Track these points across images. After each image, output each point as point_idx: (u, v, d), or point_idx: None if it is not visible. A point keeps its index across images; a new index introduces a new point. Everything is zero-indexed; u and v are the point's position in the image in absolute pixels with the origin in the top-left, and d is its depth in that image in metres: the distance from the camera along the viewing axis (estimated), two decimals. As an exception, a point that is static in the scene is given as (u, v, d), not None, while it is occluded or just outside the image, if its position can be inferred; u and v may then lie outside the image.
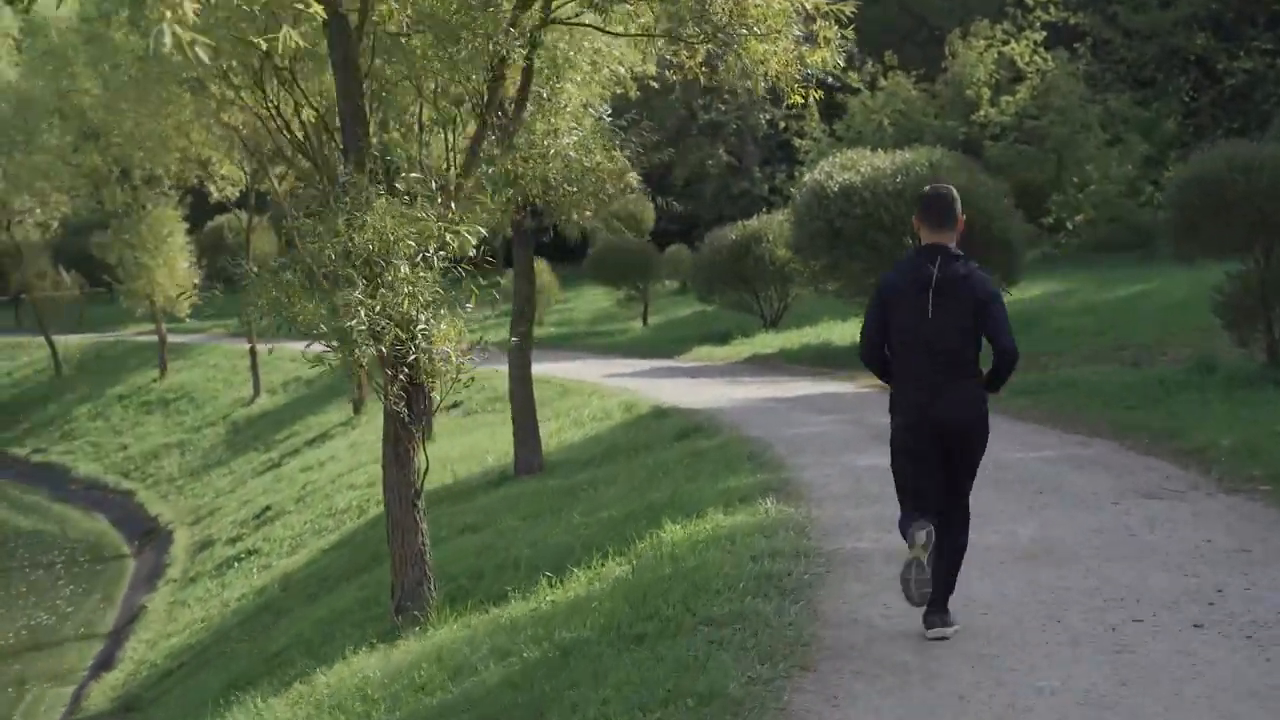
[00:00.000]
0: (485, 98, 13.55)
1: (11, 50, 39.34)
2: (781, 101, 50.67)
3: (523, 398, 18.05)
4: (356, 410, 30.05)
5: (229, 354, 41.97)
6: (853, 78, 47.26)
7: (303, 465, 27.20)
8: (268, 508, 23.93)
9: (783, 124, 51.13)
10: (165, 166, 34.53)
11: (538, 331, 40.33)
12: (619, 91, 20.86)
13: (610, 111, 20.75)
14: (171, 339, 43.50)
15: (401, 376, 11.51)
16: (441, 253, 11.40)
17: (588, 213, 17.66)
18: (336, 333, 10.89)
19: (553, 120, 16.54)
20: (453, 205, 12.06)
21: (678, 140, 56.45)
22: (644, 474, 15.04)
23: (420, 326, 11.20)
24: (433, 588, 11.98)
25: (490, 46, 12.74)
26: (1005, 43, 41.01)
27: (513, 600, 10.70)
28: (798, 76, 14.00)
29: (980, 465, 8.11)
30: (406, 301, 10.94)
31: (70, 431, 41.12)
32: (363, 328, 10.75)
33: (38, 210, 43.43)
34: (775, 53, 13.37)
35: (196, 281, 39.97)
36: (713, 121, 54.70)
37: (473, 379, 11.78)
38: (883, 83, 44.02)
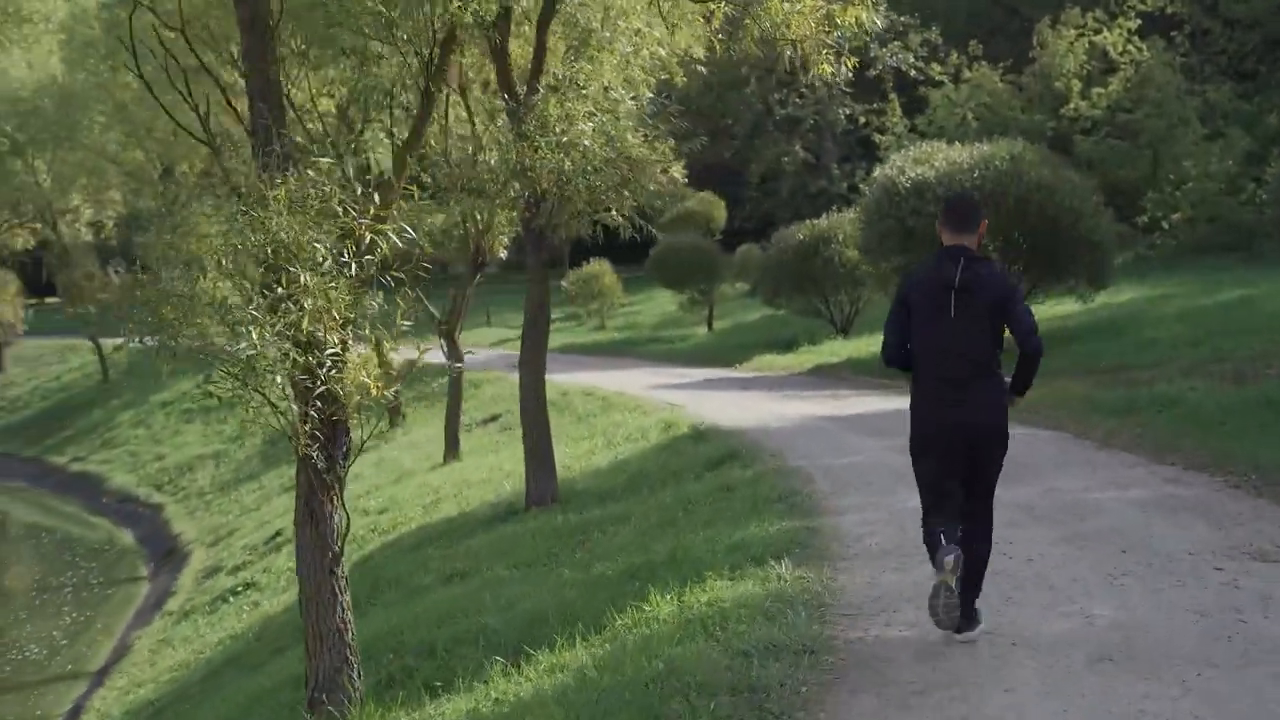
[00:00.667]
0: (429, 65, 11.46)
1: (59, 42, 37.70)
2: (862, 95, 48.77)
3: (535, 419, 15.96)
4: (392, 423, 28.18)
5: None
6: (935, 69, 45.28)
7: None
8: (278, 532, 22.06)
9: (862, 119, 48.92)
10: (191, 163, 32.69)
11: (598, 337, 38.57)
12: (664, 77, 18.80)
13: (657, 99, 18.55)
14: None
15: (314, 413, 9.33)
16: (369, 258, 9.15)
17: (613, 210, 15.45)
18: (237, 362, 8.73)
19: (571, 104, 14.49)
20: (381, 200, 9.76)
21: (753, 136, 54.37)
22: (661, 514, 13.00)
23: (330, 351, 9.02)
24: (356, 674, 9.63)
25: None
26: (1097, 32, 38.62)
27: (455, 692, 8.63)
28: (827, 42, 11.76)
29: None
30: (309, 319, 8.75)
31: (111, 439, 39.61)
32: (266, 353, 8.61)
33: (87, 210, 41.91)
34: (798, 12, 11.08)
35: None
36: (789, 116, 52.44)
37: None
38: (967, 74, 41.68)
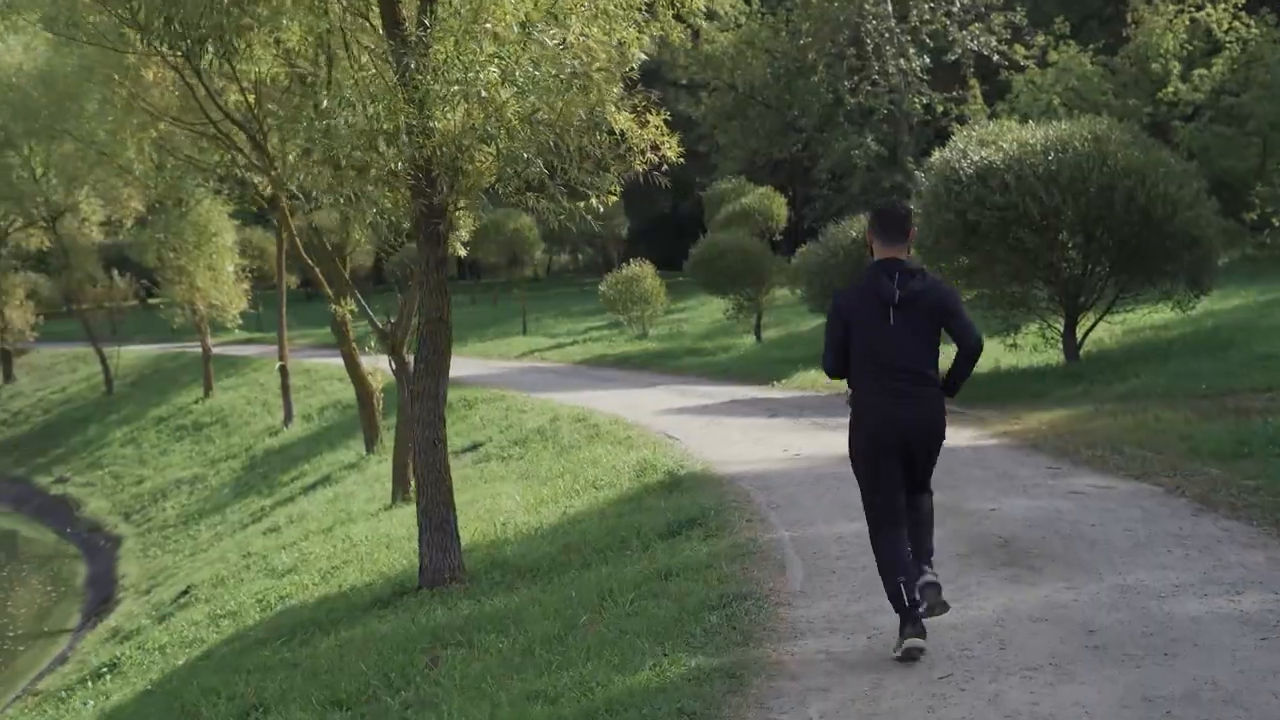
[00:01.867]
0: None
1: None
2: (940, 82, 44.76)
3: (431, 473, 12.06)
4: (369, 448, 24.51)
5: (321, 370, 36.68)
6: (1020, 52, 41.32)
7: (271, 525, 21.80)
8: (187, 590, 18.57)
9: (940, 108, 44.89)
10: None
11: (635, 347, 34.76)
12: (660, 35, 15.24)
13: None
14: (236, 351, 38.68)
15: None
16: None
17: (543, 192, 11.77)
18: None
19: (470, 43, 10.77)
20: None
21: (822, 128, 50.28)
22: (569, 612, 9.26)
23: None
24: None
25: None
26: (1199, 7, 34.32)
27: None
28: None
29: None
30: None
31: (99, 459, 36.40)
32: None
33: (96, 208, 38.70)
34: None
35: (247, 286, 35.13)
36: (861, 106, 48.28)
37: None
38: (1054, 56, 37.71)
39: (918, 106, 47.14)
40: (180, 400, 38.00)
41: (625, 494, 14.10)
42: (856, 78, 48.14)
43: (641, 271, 36.48)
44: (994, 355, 22.66)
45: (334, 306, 22.84)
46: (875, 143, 47.95)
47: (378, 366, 23.45)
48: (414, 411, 12.13)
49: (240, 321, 35.97)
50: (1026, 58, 40.86)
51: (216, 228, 34.30)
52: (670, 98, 59.24)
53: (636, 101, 15.97)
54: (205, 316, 35.16)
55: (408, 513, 16.95)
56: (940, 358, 8.10)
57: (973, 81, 44.70)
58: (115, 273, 45.40)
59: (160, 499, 30.36)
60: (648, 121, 15.07)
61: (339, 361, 36.79)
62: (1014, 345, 21.53)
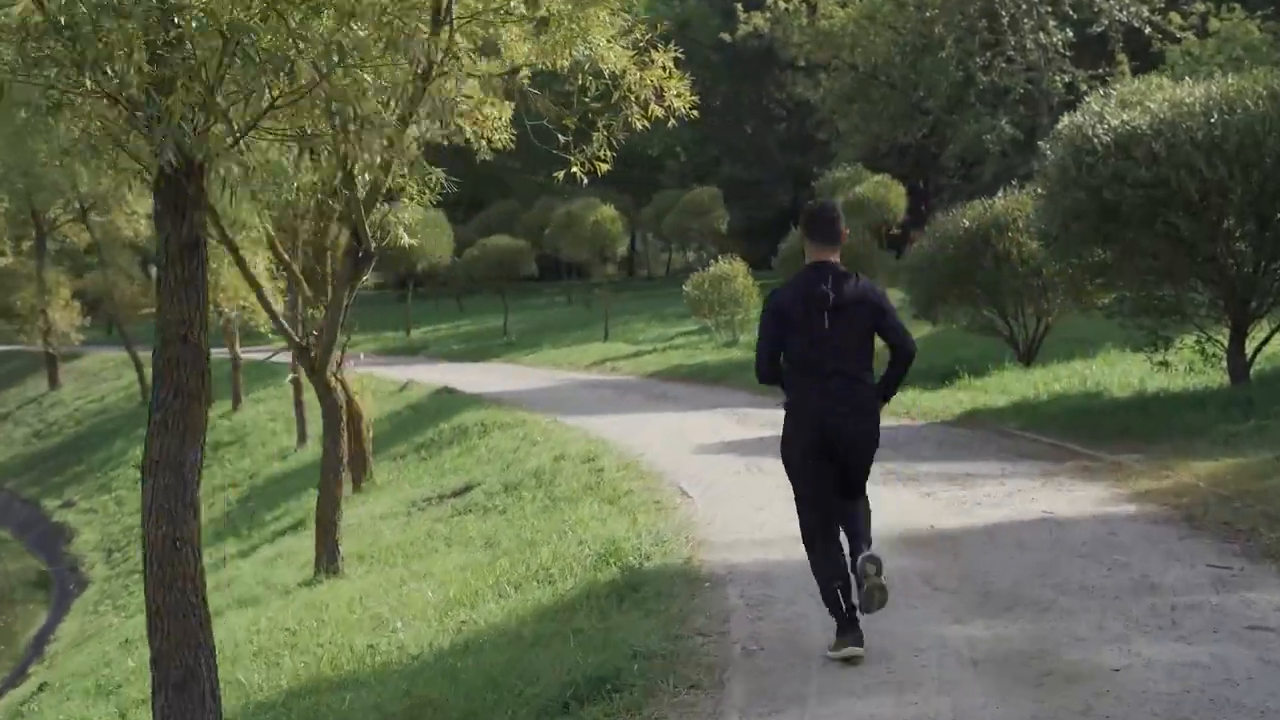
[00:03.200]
0: None
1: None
2: (1084, 58, 39.71)
3: (167, 591, 7.45)
4: (356, 484, 20.13)
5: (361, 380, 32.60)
6: (1174, 21, 36.38)
7: (216, 583, 17.50)
8: (42, 687, 14.45)
9: (1084, 86, 39.65)
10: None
11: (719, 356, 29.94)
12: None
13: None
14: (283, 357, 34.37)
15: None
16: None
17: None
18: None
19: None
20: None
21: (951, 110, 45.15)
22: None
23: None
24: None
25: None
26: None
27: None
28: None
29: None
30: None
31: (111, 480, 32.63)
32: None
33: (137, 196, 34.76)
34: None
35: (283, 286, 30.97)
36: (995, 85, 43.11)
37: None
38: (1215, 25, 32.71)
39: (1058, 85, 41.88)
40: (211, 413, 34.05)
41: (559, 600, 9.56)
42: (989, 54, 43.05)
43: (732, 270, 31.82)
44: (1137, 375, 17.76)
45: (311, 312, 18.61)
46: (1010, 125, 42.71)
47: (366, 385, 19.30)
48: (146, 494, 7.59)
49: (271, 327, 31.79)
50: (1183, 28, 36.03)
51: (242, 215, 30.10)
52: (785, 80, 54.95)
53: (638, 36, 11.73)
54: (234, 320, 31.02)
55: (328, 593, 12.60)
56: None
57: (1120, 56, 39.64)
58: (155, 270, 41.44)
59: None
60: (651, 61, 10.95)
61: (388, 371, 33.07)
62: (1163, 364, 16.58)
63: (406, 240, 13.24)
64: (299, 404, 27.33)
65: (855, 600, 7.69)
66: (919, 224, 41.61)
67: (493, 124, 14.43)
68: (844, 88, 47.83)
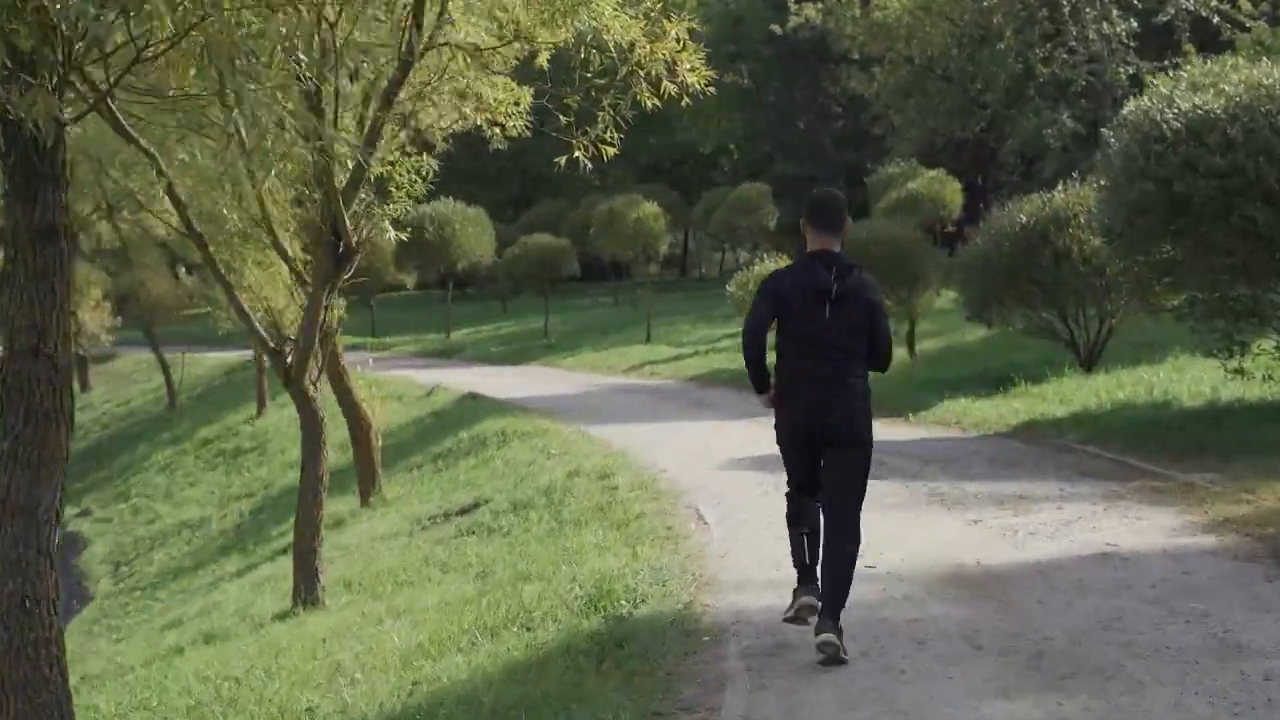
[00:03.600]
0: None
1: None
2: (1149, 49, 38.14)
3: (13, 663, 6.15)
4: (364, 499, 18.86)
5: (388, 385, 31.17)
6: (1243, 8, 34.71)
7: (201, 609, 16.31)
8: None
9: (1150, 77, 38.00)
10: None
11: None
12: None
13: None
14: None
15: None
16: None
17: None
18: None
19: None
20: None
21: (1010, 104, 43.51)
22: None
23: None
24: None
25: None
26: None
27: None
28: None
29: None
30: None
31: (130, 487, 31.55)
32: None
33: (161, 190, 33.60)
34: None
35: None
36: (1056, 77, 41.47)
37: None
38: (1290, 10, 31.07)
39: (1122, 77, 40.17)
40: (232, 420, 33.03)
41: (534, 654, 8.13)
42: (1050, 45, 41.38)
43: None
44: (1210, 384, 16.25)
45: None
46: (1071, 119, 41.03)
47: (376, 391, 18.08)
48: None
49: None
50: (1253, 15, 34.35)
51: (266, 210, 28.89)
52: (839, 75, 53.38)
53: (649, 4, 10.41)
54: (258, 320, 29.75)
55: (297, 631, 11.32)
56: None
57: (1187, 46, 37.86)
58: (183, 270, 40.35)
59: (156, 547, 25.41)
60: (664, 32, 9.67)
61: (419, 375, 31.82)
62: (1239, 371, 15.02)
63: (392, 235, 11.88)
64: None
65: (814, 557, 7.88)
66: (976, 222, 40.05)
67: (505, 110, 13.14)
68: (899, 81, 46.22)
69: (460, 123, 14.05)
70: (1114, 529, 10.35)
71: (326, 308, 12.15)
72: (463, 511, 15.17)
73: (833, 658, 7.30)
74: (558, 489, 13.98)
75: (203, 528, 25.33)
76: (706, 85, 10.62)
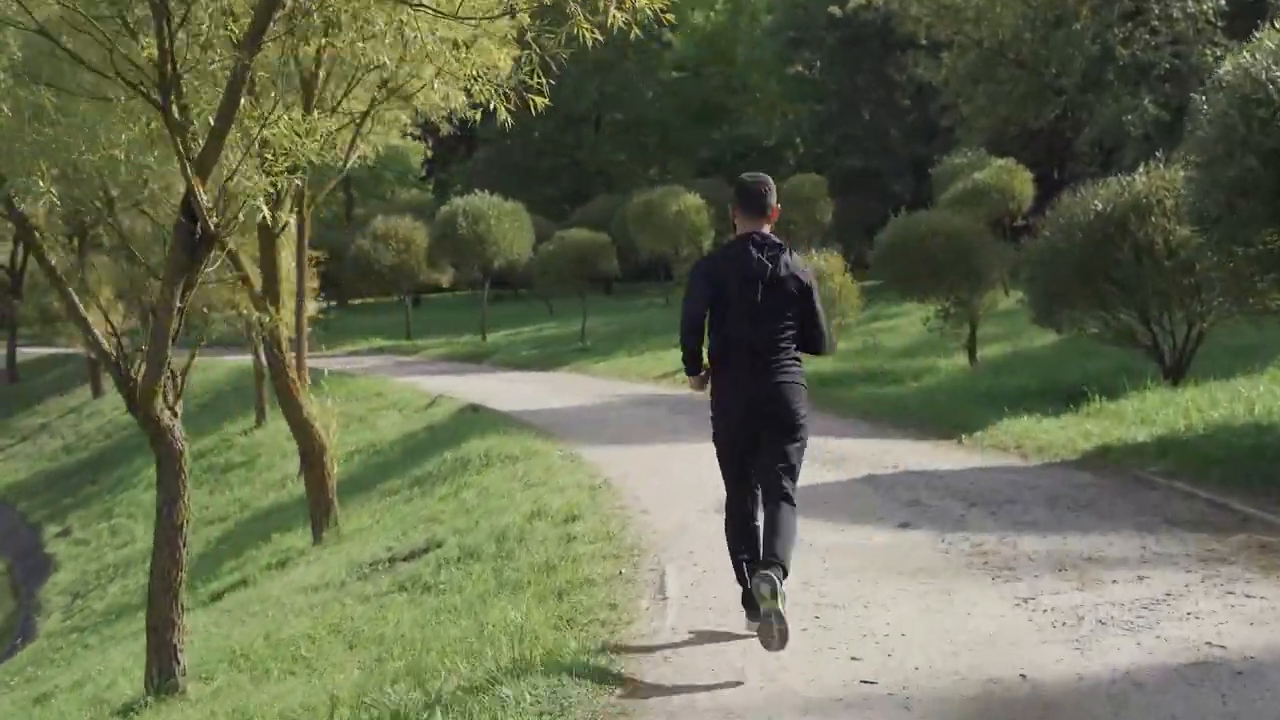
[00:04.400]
0: None
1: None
2: (1239, 29, 34.88)
3: None
4: (316, 534, 16.25)
5: (393, 394, 28.52)
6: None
7: (76, 681, 13.72)
8: None
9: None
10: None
11: (810, 367, 25.84)
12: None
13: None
14: (352, 363, 30.92)
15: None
16: None
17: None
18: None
19: None
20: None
21: (1087, 89, 40.42)
22: None
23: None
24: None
25: None
26: None
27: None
28: None
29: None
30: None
31: (115, 505, 29.12)
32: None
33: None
34: None
35: (315, 285, 27.52)
36: (1136, 60, 38.37)
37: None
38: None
39: (1209, 59, 37.04)
40: (230, 430, 30.57)
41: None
42: (1130, 25, 38.43)
43: (827, 267, 27.54)
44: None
45: (257, 315, 14.86)
46: (1154, 105, 37.98)
47: (328, 406, 15.50)
48: None
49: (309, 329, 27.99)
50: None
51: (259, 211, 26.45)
52: (905, 62, 50.44)
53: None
54: (259, 324, 27.25)
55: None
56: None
57: (1281, 23, 34.85)
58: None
59: (116, 577, 22.95)
60: None
61: (431, 382, 29.28)
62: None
63: (267, 216, 9.17)
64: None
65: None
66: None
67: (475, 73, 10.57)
68: (968, 66, 43.35)
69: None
70: (1217, 615, 7.54)
71: (181, 309, 9.43)
72: (410, 556, 12.48)
73: (772, 594, 6.97)
74: (513, 534, 11.28)
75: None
76: (665, 11, 7.91)
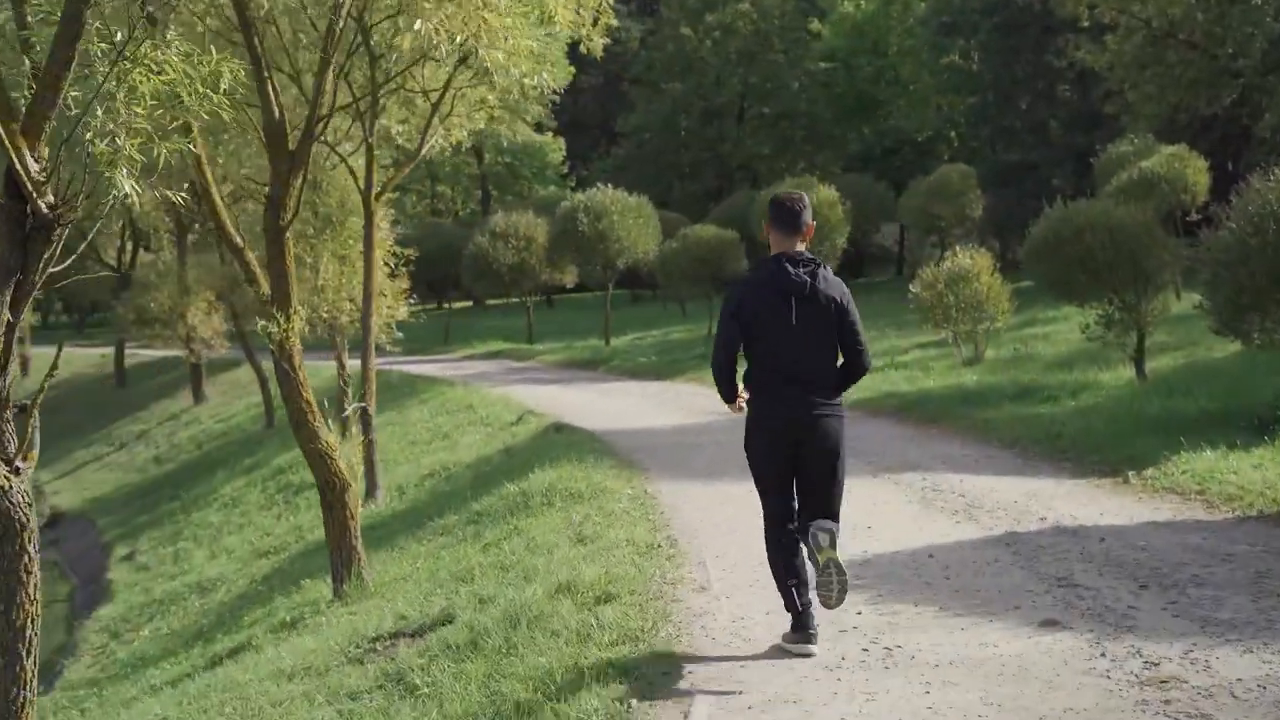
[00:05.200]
0: None
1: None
2: None
3: None
4: (337, 586, 13.67)
5: (485, 406, 25.93)
6: None
7: None
8: None
9: None
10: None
11: (951, 381, 22.49)
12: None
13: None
14: (458, 368, 28.49)
15: None
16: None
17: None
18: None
19: None
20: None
21: (1267, 70, 36.77)
22: None
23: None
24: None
25: None
26: None
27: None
28: None
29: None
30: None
31: (185, 526, 26.87)
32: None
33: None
34: None
35: (405, 286, 25.23)
36: (1325, 36, 34.71)
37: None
38: None
39: None
40: (289, 454, 28.28)
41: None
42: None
43: (974, 265, 24.52)
44: None
45: (264, 324, 12.40)
46: (1345, 87, 34.31)
47: (354, 433, 13.04)
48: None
49: (400, 335, 25.63)
50: None
51: (347, 200, 24.14)
52: (1066, 47, 47.02)
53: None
54: (343, 328, 24.88)
55: None
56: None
57: None
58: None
59: (157, 615, 20.69)
60: None
61: (533, 392, 26.79)
62: None
63: (130, 191, 6.48)
64: (369, 445, 20.85)
65: (810, 597, 7.53)
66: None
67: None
68: (1134, 49, 39.93)
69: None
70: None
71: (12, 326, 6.79)
72: (419, 631, 9.84)
73: (831, 543, 7.26)
74: (528, 617, 8.59)
75: (208, 594, 20.55)
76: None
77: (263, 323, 12.89)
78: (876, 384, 22.12)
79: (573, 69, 78.02)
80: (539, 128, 76.14)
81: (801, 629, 7.51)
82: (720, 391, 7.76)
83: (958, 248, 25.18)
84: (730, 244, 34.84)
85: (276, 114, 12.70)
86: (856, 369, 7.76)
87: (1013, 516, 11.27)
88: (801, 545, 7.58)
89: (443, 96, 19.94)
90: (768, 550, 7.73)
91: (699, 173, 66.33)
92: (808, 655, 7.38)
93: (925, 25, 56.50)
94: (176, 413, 40.67)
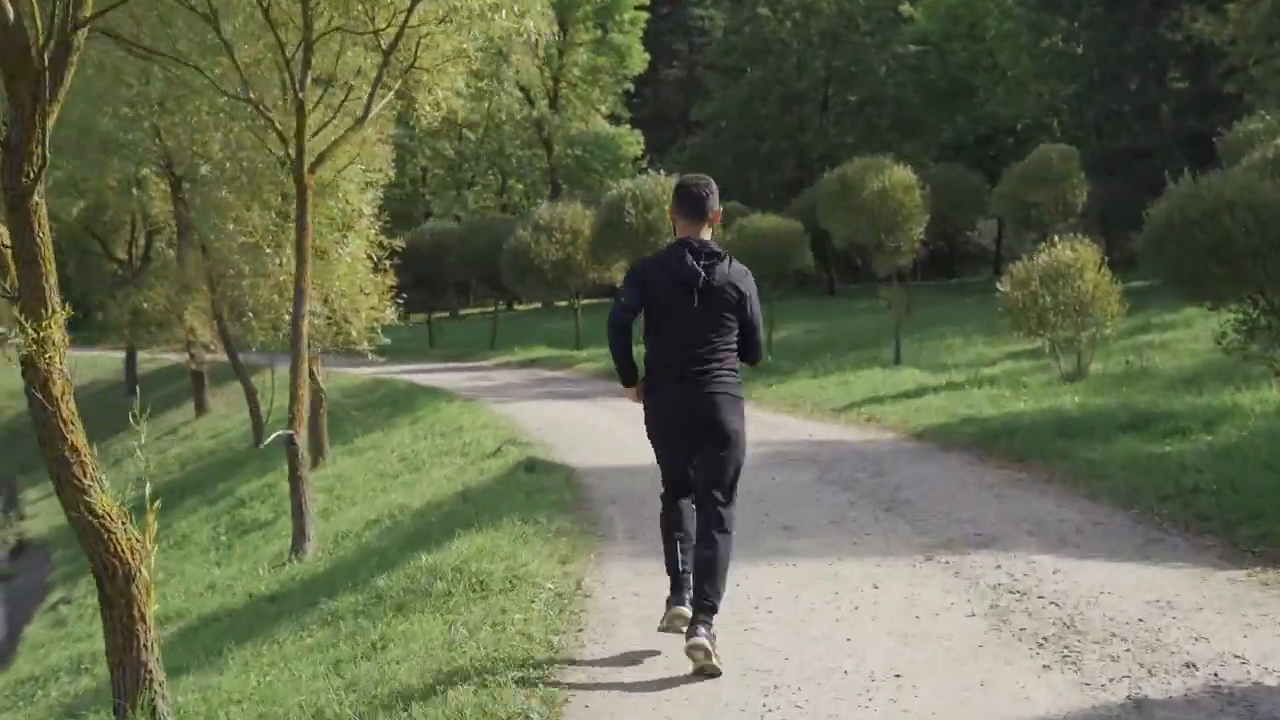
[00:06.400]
0: None
1: None
2: None
3: None
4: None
5: (475, 429, 21.81)
6: None
7: None
8: None
9: None
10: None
11: (1048, 403, 16.97)
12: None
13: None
14: (483, 377, 24.90)
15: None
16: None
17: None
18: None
19: None
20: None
21: None
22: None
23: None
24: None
25: None
26: None
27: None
28: None
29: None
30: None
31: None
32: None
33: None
34: None
35: (393, 284, 21.57)
36: None
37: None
38: None
39: None
40: (268, 477, 24.39)
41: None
42: None
43: (1076, 258, 20.13)
44: None
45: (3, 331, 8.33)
46: None
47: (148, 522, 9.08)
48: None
49: (385, 340, 21.94)
50: None
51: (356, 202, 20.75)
52: (1181, 19, 42.55)
53: None
54: (322, 333, 21.16)
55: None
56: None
57: None
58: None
59: (34, 692, 17.04)
60: None
61: (546, 409, 22.85)
62: None
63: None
64: (297, 482, 16.85)
65: (691, 565, 7.43)
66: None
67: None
68: (1261, 19, 35.60)
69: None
70: None
71: None
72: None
73: (704, 666, 7.04)
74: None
75: (44, 689, 16.87)
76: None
77: (2, 329, 8.71)
78: (953, 405, 17.83)
79: (648, 56, 74.71)
80: (614, 119, 72.33)
81: (677, 590, 7.44)
82: (617, 366, 7.65)
83: (1056, 238, 20.77)
84: (794, 236, 30.09)
85: (10, 12, 8.20)
86: (750, 361, 7.61)
87: (1133, 653, 7.00)
88: (692, 514, 7.55)
89: (399, 39, 15.95)
90: (661, 516, 7.73)
91: (778, 163, 62.12)
92: (681, 616, 7.28)
93: (1024, 5, 52.26)
94: (175, 426, 36.95)
